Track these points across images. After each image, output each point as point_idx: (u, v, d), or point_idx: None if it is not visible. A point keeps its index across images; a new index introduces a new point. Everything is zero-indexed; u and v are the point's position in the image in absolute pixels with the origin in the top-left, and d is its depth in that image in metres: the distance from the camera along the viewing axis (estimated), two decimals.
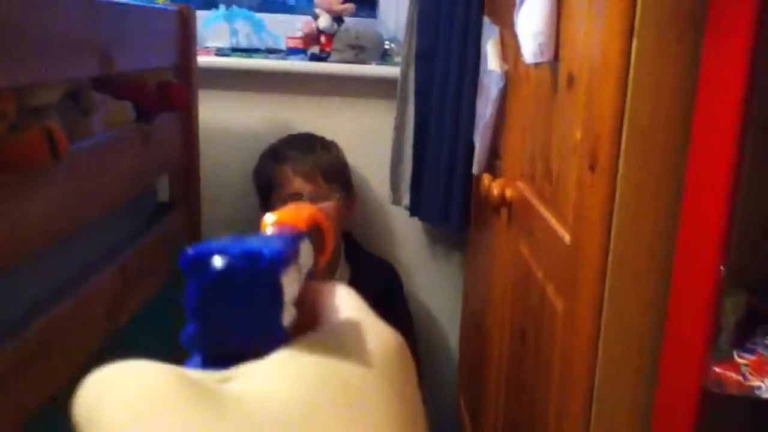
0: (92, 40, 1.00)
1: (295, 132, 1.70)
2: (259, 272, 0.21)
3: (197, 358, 0.22)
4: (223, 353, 0.21)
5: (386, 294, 1.66)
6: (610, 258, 0.69)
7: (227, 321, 0.21)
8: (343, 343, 0.22)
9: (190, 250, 0.22)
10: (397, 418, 0.20)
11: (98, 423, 0.19)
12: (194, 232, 1.52)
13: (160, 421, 0.18)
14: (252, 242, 0.22)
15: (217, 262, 0.21)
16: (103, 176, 1.03)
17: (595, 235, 0.71)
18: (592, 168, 0.72)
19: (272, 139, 1.70)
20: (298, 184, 1.54)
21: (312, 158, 1.56)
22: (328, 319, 0.23)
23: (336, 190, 1.56)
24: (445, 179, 1.54)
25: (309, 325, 0.23)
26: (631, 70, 0.68)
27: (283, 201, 1.54)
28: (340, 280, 1.61)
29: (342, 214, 1.60)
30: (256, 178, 1.64)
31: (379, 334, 0.23)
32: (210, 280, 0.21)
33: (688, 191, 0.65)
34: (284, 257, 0.22)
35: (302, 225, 0.27)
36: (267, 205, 1.60)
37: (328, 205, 1.51)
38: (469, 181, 1.52)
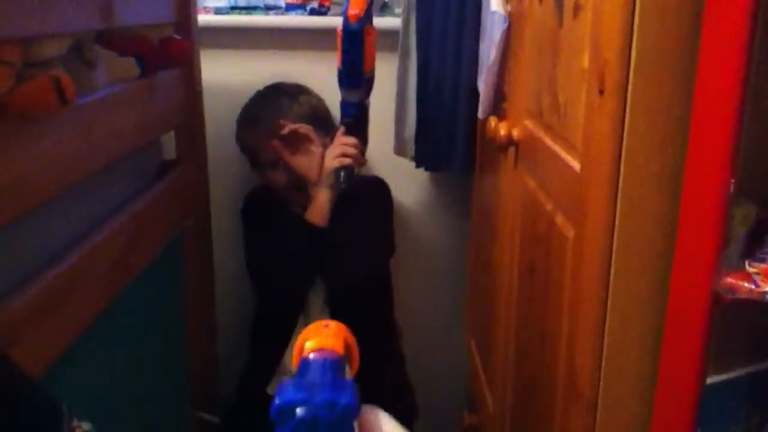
0: None
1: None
2: (337, 420, 0.26)
3: None
4: None
5: (375, 207, 1.65)
6: (621, 178, 0.69)
7: None
8: None
9: (277, 400, 0.26)
10: None
11: None
12: (202, 187, 1.53)
13: None
14: (322, 385, 0.27)
15: (301, 411, 0.26)
16: (110, 127, 1.04)
17: (605, 157, 0.71)
18: (601, 91, 0.73)
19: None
20: (271, 150, 1.54)
21: (279, 118, 1.55)
22: None
23: (315, 137, 1.54)
24: (450, 126, 1.54)
25: None
26: None
27: (271, 166, 1.55)
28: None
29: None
30: (238, 143, 1.65)
31: None
32: (295, 428, 0.26)
33: (697, 107, 0.66)
34: (356, 406, 0.27)
35: (340, 349, 0.31)
36: (257, 167, 1.62)
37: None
38: (473, 127, 1.52)
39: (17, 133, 0.79)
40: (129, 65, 1.19)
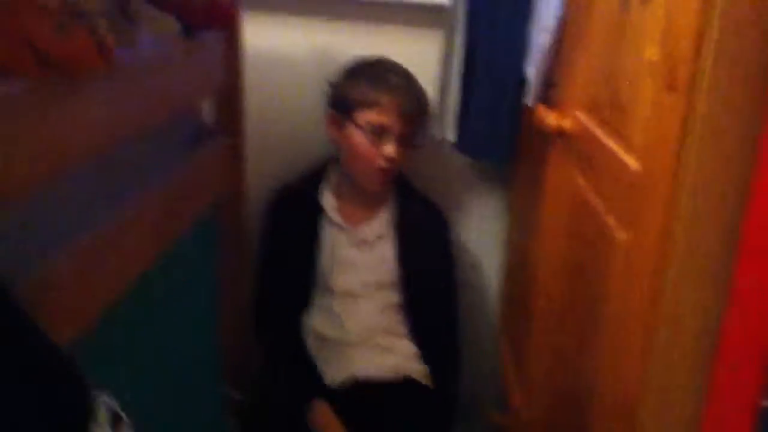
0: None
1: (336, 59, 1.65)
2: None
3: None
4: None
5: (431, 237, 1.63)
6: (685, 182, 0.65)
7: None
8: None
9: None
10: None
11: None
12: (238, 157, 1.50)
13: None
14: None
15: None
16: (149, 86, 1.01)
17: (669, 158, 0.66)
18: (670, 87, 0.68)
19: (315, 66, 1.67)
20: (393, 120, 1.47)
21: (412, 97, 1.50)
22: None
23: (415, 134, 1.52)
24: (493, 112, 1.49)
25: None
26: None
27: (366, 128, 1.48)
28: (387, 217, 1.59)
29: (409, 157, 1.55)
30: (340, 91, 1.54)
31: None
32: None
33: None
34: None
35: None
36: (345, 117, 1.51)
37: None
38: (519, 114, 1.46)
39: (55, 91, 0.76)
40: (171, 25, 1.15)
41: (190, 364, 1.30)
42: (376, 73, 1.52)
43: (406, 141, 1.49)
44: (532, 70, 1.27)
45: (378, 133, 1.47)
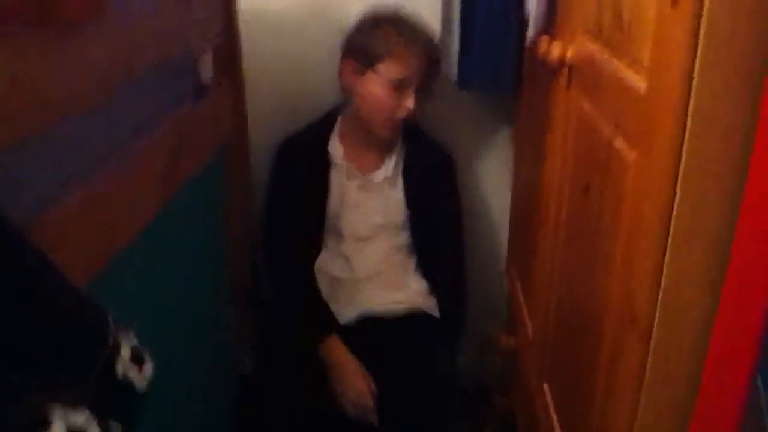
0: None
1: (336, 6, 1.63)
2: None
3: None
4: None
5: (438, 179, 1.64)
6: (692, 94, 0.65)
7: None
8: None
9: None
10: None
11: None
12: (239, 110, 1.50)
13: None
14: None
15: None
16: (145, 29, 1.00)
17: (675, 73, 0.67)
18: (674, 3, 0.67)
19: (313, 17, 1.65)
20: (416, 73, 1.48)
21: (432, 51, 1.51)
22: None
23: (432, 84, 1.54)
24: (496, 46, 1.48)
25: None
26: None
27: (390, 80, 1.47)
28: (395, 160, 1.59)
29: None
30: (363, 41, 1.52)
31: None
32: None
33: None
34: None
35: None
36: (366, 67, 1.50)
37: None
38: (521, 46, 1.45)
39: (53, 34, 0.76)
40: None
41: (202, 292, 1.32)
42: (400, 27, 1.51)
43: (424, 91, 1.51)
44: (533, 1, 1.25)
45: (400, 85, 1.47)
